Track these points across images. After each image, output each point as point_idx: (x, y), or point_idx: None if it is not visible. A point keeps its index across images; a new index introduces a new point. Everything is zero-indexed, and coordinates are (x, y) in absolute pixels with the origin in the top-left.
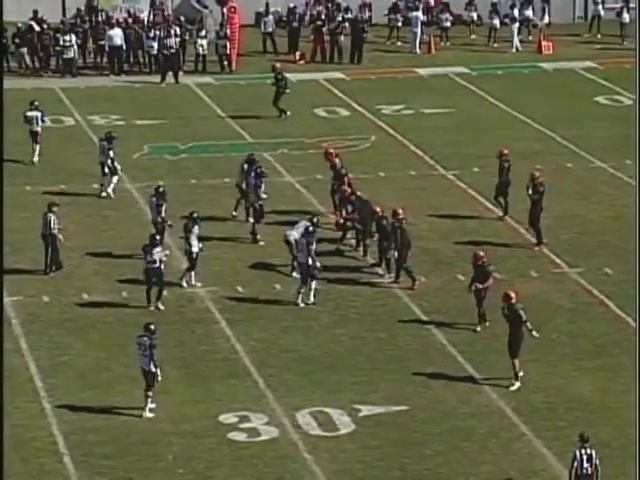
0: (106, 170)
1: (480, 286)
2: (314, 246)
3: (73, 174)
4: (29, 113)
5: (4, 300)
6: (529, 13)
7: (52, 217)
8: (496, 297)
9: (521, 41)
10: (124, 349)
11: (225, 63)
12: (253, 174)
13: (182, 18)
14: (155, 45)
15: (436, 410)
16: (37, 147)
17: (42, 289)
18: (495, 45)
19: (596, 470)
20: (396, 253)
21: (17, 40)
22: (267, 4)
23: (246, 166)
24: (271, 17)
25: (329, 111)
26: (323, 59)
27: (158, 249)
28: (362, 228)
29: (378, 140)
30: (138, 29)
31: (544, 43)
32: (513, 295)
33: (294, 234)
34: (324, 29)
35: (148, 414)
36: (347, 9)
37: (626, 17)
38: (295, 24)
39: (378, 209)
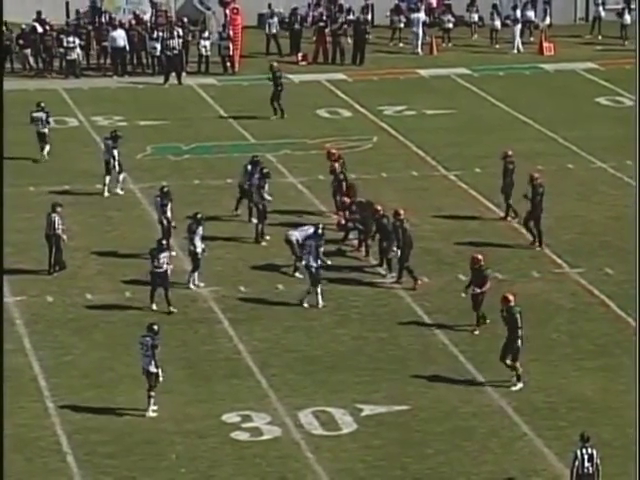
0: (116, 168)
1: (478, 290)
2: (322, 249)
3: (77, 175)
4: (35, 114)
5: (8, 300)
6: (531, 14)
7: (56, 217)
8: (497, 297)
9: (522, 42)
10: (127, 349)
11: (228, 64)
12: (257, 175)
13: (185, 19)
14: (158, 46)
15: (438, 410)
16: (46, 146)
17: (46, 289)
18: (497, 46)
19: (597, 470)
20: (399, 252)
21: (21, 41)
22: (270, 5)
23: (250, 167)
24: (276, 19)
25: (331, 112)
26: (325, 60)
27: (165, 254)
28: (364, 228)
29: (380, 141)
30: (141, 30)
31: (545, 44)
32: (511, 298)
33: (295, 234)
34: (326, 30)
35: (151, 414)
36: (349, 10)
37: (627, 18)
38: (297, 26)
39: (379, 207)
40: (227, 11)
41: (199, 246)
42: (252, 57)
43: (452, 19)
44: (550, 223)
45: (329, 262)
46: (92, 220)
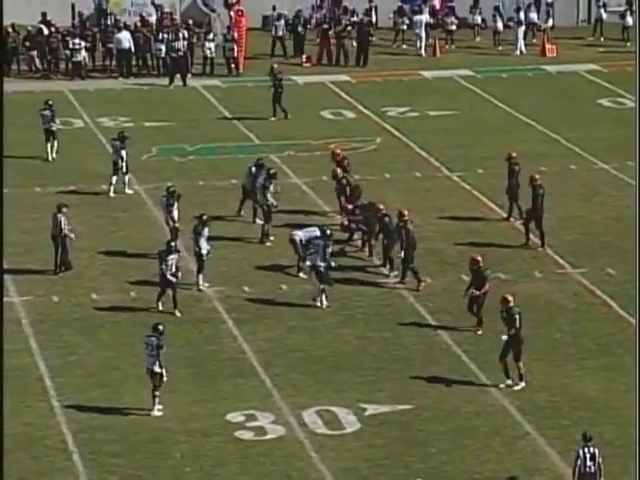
0: (123, 168)
1: (477, 292)
2: (330, 249)
3: (82, 175)
4: (43, 112)
5: (15, 300)
6: (533, 16)
7: (62, 218)
8: (499, 297)
9: (525, 44)
10: (133, 348)
11: (232, 66)
12: (262, 177)
13: (190, 21)
14: (163, 48)
15: (441, 409)
16: (55, 143)
17: (52, 289)
18: (499, 48)
19: (599, 469)
20: (402, 253)
21: (27, 43)
22: (274, 7)
23: (254, 169)
24: (282, 21)
25: (335, 113)
26: (329, 62)
27: (173, 256)
28: (367, 229)
29: (384, 142)
30: (146, 32)
31: (548, 46)
32: (511, 299)
33: (300, 234)
34: (330, 32)
35: (156, 413)
36: (353, 12)
37: (629, 20)
38: (300, 28)
39: (381, 207)
40: (232, 13)
41: (204, 247)
42: (256, 59)
43: (455, 21)
44: (552, 224)
45: (333, 264)
46: (97, 221)
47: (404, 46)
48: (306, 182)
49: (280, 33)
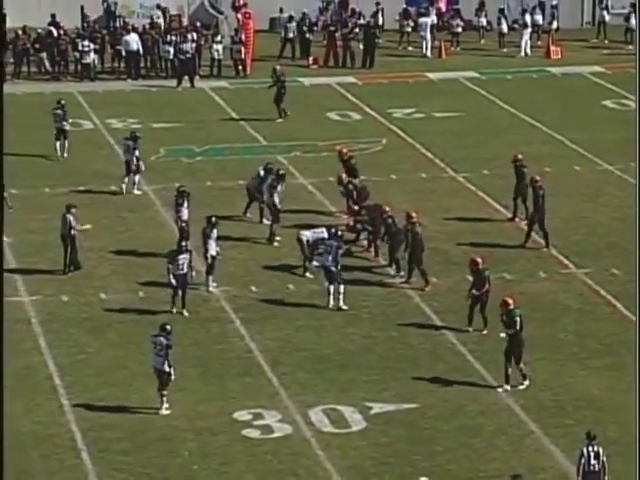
0: (134, 168)
1: (477, 293)
2: (341, 251)
3: (91, 176)
4: (55, 111)
5: (24, 299)
6: (538, 18)
7: (71, 218)
8: (503, 298)
9: (530, 46)
10: (141, 348)
11: (240, 68)
12: (270, 178)
13: (198, 23)
14: (171, 50)
15: (446, 408)
16: (65, 143)
17: (61, 289)
18: (504, 50)
19: (603, 467)
20: (406, 254)
21: (37, 45)
22: (281, 9)
23: (262, 173)
24: (294, 23)
25: (342, 114)
26: (336, 64)
27: (184, 255)
28: (373, 229)
29: (389, 143)
30: (155, 34)
31: (553, 48)
32: (511, 301)
33: (307, 234)
34: (337, 34)
35: (164, 411)
36: (360, 15)
37: (633, 22)
38: (305, 28)
39: (387, 209)
40: (239, 15)
41: (213, 249)
42: (263, 60)
43: (461, 23)
44: (557, 224)
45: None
46: (106, 221)
47: (410, 48)
48: (312, 183)
49: (291, 35)
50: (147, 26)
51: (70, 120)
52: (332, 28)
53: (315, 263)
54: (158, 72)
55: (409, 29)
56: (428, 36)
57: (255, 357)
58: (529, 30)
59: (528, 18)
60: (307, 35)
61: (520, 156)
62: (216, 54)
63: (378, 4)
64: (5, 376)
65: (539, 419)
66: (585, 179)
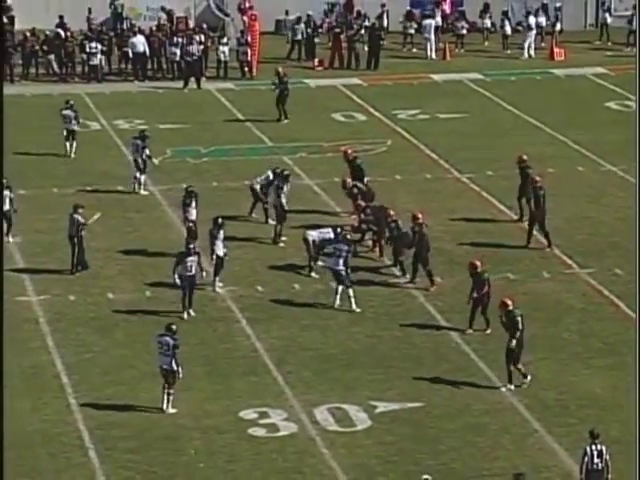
0: (140, 166)
1: (476, 296)
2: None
3: (98, 177)
4: (64, 112)
5: (32, 299)
6: (542, 20)
7: (78, 218)
8: (506, 297)
9: (534, 48)
10: (147, 347)
11: (246, 69)
12: (277, 180)
13: (204, 25)
14: (178, 52)
15: (450, 407)
16: (74, 143)
17: (68, 288)
18: (508, 52)
19: (607, 465)
20: (412, 255)
21: (45, 47)
22: (287, 12)
23: (271, 176)
24: (302, 25)
25: (347, 116)
26: (341, 65)
27: (192, 258)
28: (377, 229)
29: (394, 144)
30: (161, 36)
31: (556, 50)
32: (510, 302)
33: (313, 235)
34: (342, 36)
35: (171, 410)
36: (365, 17)
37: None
38: (309, 30)
39: (392, 212)
40: (245, 18)
41: (221, 250)
42: (269, 62)
43: (466, 25)
44: (560, 224)
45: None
46: (113, 221)
47: (414, 50)
48: (318, 183)
49: (299, 37)
50: (154, 28)
51: (79, 121)
52: (337, 30)
53: (320, 263)
54: (165, 74)
55: (412, 31)
56: (432, 38)
57: (261, 356)
58: (533, 32)
59: (532, 20)
60: (309, 32)
61: (525, 157)
62: (222, 56)
63: (383, 6)
64: (13, 375)
65: (543, 418)
66: (588, 180)
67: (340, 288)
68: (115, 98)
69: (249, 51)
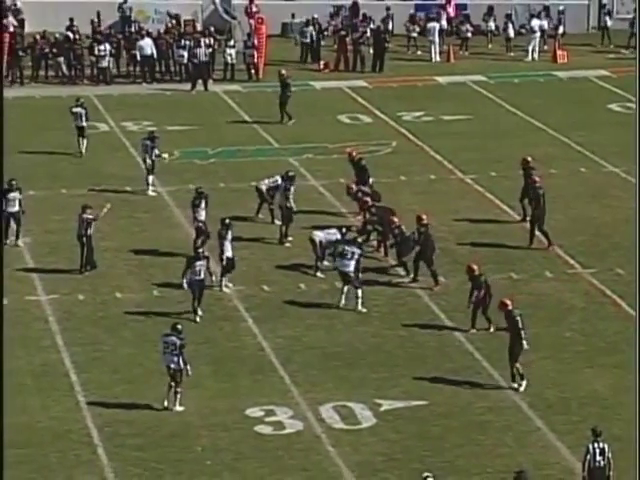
0: (148, 166)
1: (474, 299)
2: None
3: (107, 177)
4: (74, 109)
5: (42, 298)
6: (544, 23)
7: (87, 217)
8: (508, 297)
9: (538, 51)
10: (155, 345)
11: (252, 72)
12: (284, 182)
13: (212, 28)
14: (185, 54)
15: (454, 405)
16: (84, 141)
17: (77, 288)
18: (511, 54)
19: (609, 463)
20: (414, 254)
21: (54, 50)
22: (293, 15)
23: (279, 181)
24: (311, 27)
25: (352, 117)
26: (346, 68)
27: (201, 262)
28: (382, 230)
29: (399, 145)
30: (169, 39)
31: (559, 52)
32: (509, 302)
33: (320, 235)
34: (347, 39)
35: (178, 408)
36: (370, 20)
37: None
38: (313, 33)
39: (395, 219)
40: (252, 21)
41: (229, 251)
42: (276, 65)
43: (470, 28)
44: (563, 225)
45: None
46: (121, 222)
47: (419, 52)
48: (324, 184)
49: (308, 39)
50: (162, 31)
51: (86, 123)
52: (343, 33)
53: (326, 263)
54: (172, 76)
55: (415, 34)
56: (437, 41)
57: (267, 355)
58: (537, 35)
59: (535, 23)
60: (318, 39)
61: (529, 159)
62: (229, 58)
63: (388, 9)
64: (23, 373)
65: (545, 416)
66: (590, 181)
67: (346, 288)
68: (123, 100)
69: (256, 54)
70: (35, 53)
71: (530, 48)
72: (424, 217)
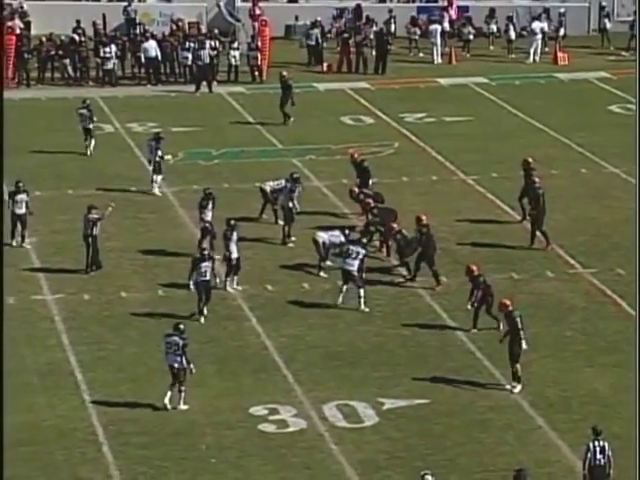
0: (155, 167)
1: (474, 300)
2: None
3: (112, 178)
4: (81, 111)
5: (48, 298)
6: (545, 26)
7: (92, 217)
8: (509, 297)
9: (539, 53)
10: (160, 345)
11: (256, 73)
12: (289, 184)
13: (216, 31)
14: (189, 56)
15: (456, 403)
16: (92, 141)
17: (83, 287)
18: (512, 56)
19: (609, 461)
20: (416, 254)
21: (60, 52)
22: (296, 17)
23: (283, 181)
24: (317, 30)
25: (355, 119)
26: (349, 70)
27: (206, 263)
28: (384, 230)
29: (401, 146)
30: (174, 41)
31: (560, 54)
32: (509, 303)
33: (324, 236)
34: (350, 41)
35: (182, 406)
36: (373, 22)
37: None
38: (318, 35)
39: (395, 225)
40: (256, 23)
41: (234, 251)
42: (279, 67)
43: (473, 31)
44: (564, 225)
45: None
46: (126, 222)
47: (421, 54)
48: (327, 185)
49: (313, 42)
50: (166, 33)
51: (94, 120)
52: (346, 35)
53: (329, 262)
54: (177, 78)
55: (416, 37)
56: (439, 43)
57: (270, 354)
58: (538, 37)
59: (536, 25)
60: (317, 36)
61: (531, 160)
62: (233, 60)
63: (391, 12)
64: (29, 372)
65: (546, 414)
66: (591, 181)
67: (345, 287)
68: (128, 101)
69: (259, 56)
70: (41, 55)
71: (531, 50)
72: (423, 218)
